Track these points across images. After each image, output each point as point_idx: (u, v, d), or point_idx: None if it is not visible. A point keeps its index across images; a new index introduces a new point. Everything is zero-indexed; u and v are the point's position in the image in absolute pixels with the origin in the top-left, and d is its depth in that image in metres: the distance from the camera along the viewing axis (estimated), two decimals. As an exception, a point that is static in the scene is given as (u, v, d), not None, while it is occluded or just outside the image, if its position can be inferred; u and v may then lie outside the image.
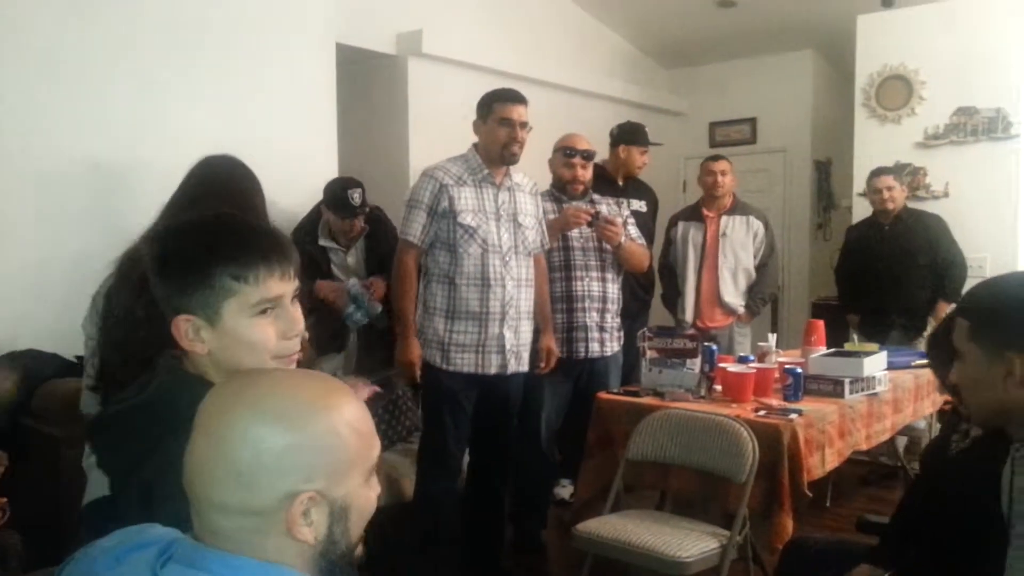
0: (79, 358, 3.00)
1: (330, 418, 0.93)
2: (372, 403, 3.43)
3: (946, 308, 4.15)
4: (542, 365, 3.36)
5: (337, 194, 3.51)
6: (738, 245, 4.46)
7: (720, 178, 4.46)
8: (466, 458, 3.28)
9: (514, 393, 3.25)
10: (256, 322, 1.23)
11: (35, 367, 2.75)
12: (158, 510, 1.07)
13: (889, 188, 4.56)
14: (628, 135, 4.29)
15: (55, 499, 2.40)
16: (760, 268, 4.51)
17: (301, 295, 1.30)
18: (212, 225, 1.28)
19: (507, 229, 3.13)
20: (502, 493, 3.36)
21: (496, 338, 3.10)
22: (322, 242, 3.64)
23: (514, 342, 3.15)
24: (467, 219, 3.05)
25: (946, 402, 3.51)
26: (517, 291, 3.14)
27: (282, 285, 1.25)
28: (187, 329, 1.22)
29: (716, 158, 4.59)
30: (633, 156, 4.26)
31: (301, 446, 0.90)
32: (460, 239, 3.05)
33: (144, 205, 3.34)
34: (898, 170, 4.85)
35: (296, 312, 1.27)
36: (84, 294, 3.15)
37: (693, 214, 4.59)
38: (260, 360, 1.24)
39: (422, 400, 3.26)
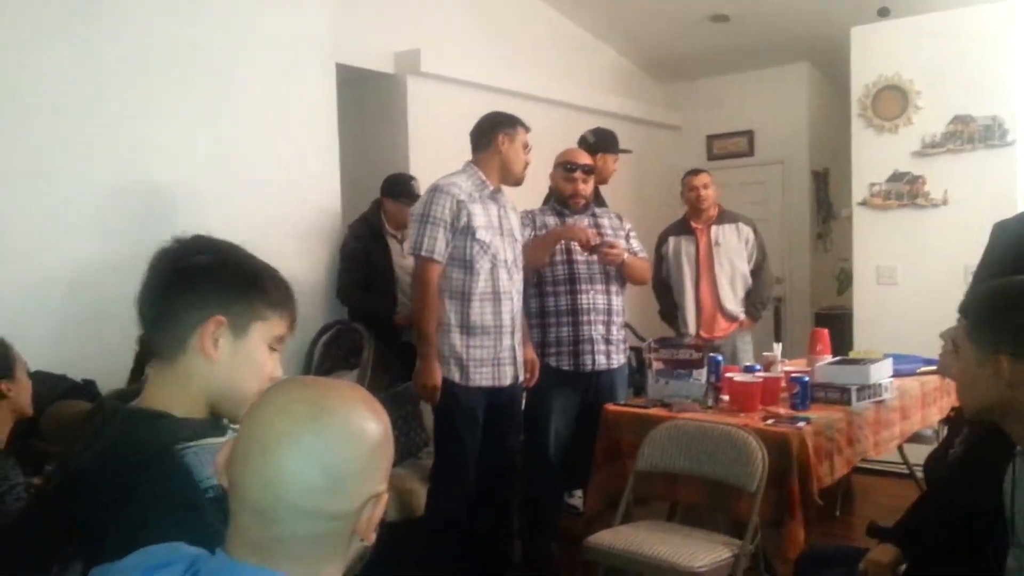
0: (86, 380, 3.01)
1: (387, 420, 0.98)
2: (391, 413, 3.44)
3: None
4: (528, 376, 3.37)
5: (397, 181, 4.17)
6: (733, 253, 4.49)
7: (703, 191, 4.49)
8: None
9: (517, 400, 3.31)
10: (268, 353, 1.28)
11: (43, 388, 2.74)
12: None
13: None
14: (607, 143, 4.21)
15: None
16: (755, 273, 4.54)
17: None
18: (253, 257, 1.33)
19: (509, 244, 3.21)
20: (510, 504, 3.36)
21: (509, 350, 3.18)
22: (388, 230, 4.13)
23: (519, 353, 3.25)
24: (482, 235, 3.09)
25: (953, 408, 3.52)
26: (519, 303, 3.25)
27: (289, 332, 1.32)
28: (215, 331, 1.23)
29: (696, 172, 4.61)
30: (608, 164, 4.19)
31: (384, 444, 0.96)
32: (476, 255, 3.08)
33: (150, 226, 3.39)
34: None
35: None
36: (87, 316, 3.17)
37: (682, 228, 4.60)
38: (252, 389, 1.25)
39: (436, 416, 3.24)
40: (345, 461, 0.91)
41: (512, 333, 3.19)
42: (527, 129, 3.28)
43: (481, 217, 3.11)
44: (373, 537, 0.94)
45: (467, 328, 3.10)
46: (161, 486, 1.11)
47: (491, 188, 3.19)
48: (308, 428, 0.90)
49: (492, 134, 3.20)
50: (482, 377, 3.12)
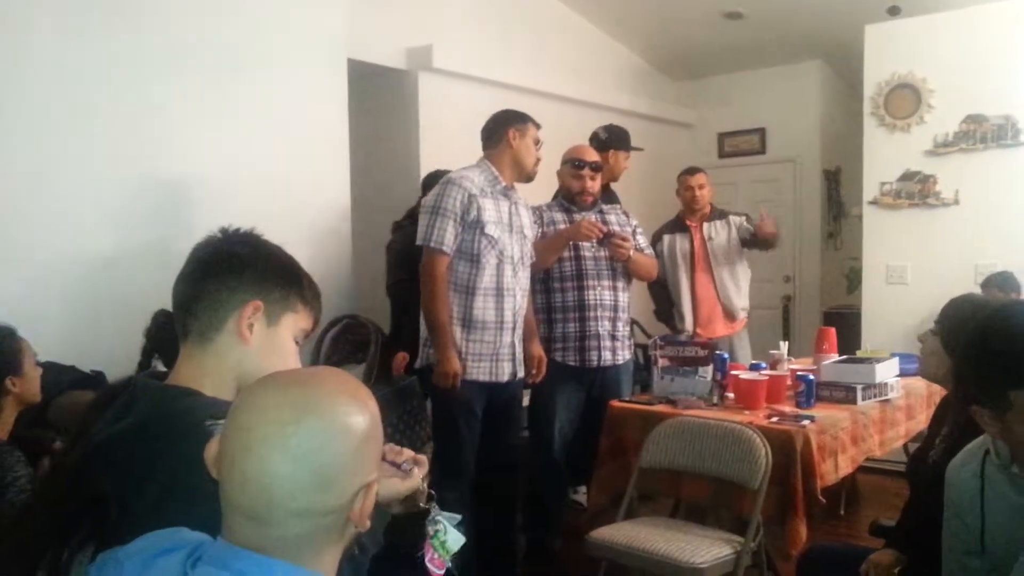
0: (95, 372, 3.05)
1: (374, 406, 0.98)
2: (386, 412, 3.46)
3: None
4: (534, 372, 3.37)
5: (439, 175, 3.96)
6: (727, 246, 4.44)
7: (698, 191, 4.46)
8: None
9: (518, 397, 3.32)
10: (294, 345, 1.34)
11: (52, 379, 2.77)
12: (173, 523, 1.07)
13: None
14: (618, 140, 4.19)
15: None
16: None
17: None
18: (292, 257, 1.39)
19: (517, 241, 3.21)
20: (512, 499, 3.37)
21: (509, 346, 3.18)
22: None
23: (519, 349, 3.25)
24: (491, 230, 3.10)
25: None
26: (523, 300, 3.25)
27: (312, 331, 1.38)
28: (252, 316, 1.29)
29: (692, 171, 4.57)
30: (620, 161, 4.17)
31: (371, 435, 0.96)
32: (483, 250, 3.09)
33: (158, 220, 3.42)
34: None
35: None
36: (96, 308, 3.21)
37: (676, 226, 4.56)
38: None
39: (434, 409, 3.26)
40: (333, 458, 0.91)
41: (513, 330, 3.19)
42: (538, 126, 3.29)
43: (491, 212, 3.13)
44: (368, 524, 0.95)
45: (468, 322, 3.11)
46: (191, 458, 1.11)
47: (503, 184, 3.20)
48: (293, 430, 0.89)
49: (503, 130, 3.22)
50: (479, 372, 3.12)
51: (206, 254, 1.32)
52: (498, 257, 3.13)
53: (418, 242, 3.15)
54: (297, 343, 1.35)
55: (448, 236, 3.06)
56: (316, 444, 0.90)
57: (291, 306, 1.33)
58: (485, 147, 3.28)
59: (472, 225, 3.08)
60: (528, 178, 3.28)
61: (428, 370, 3.18)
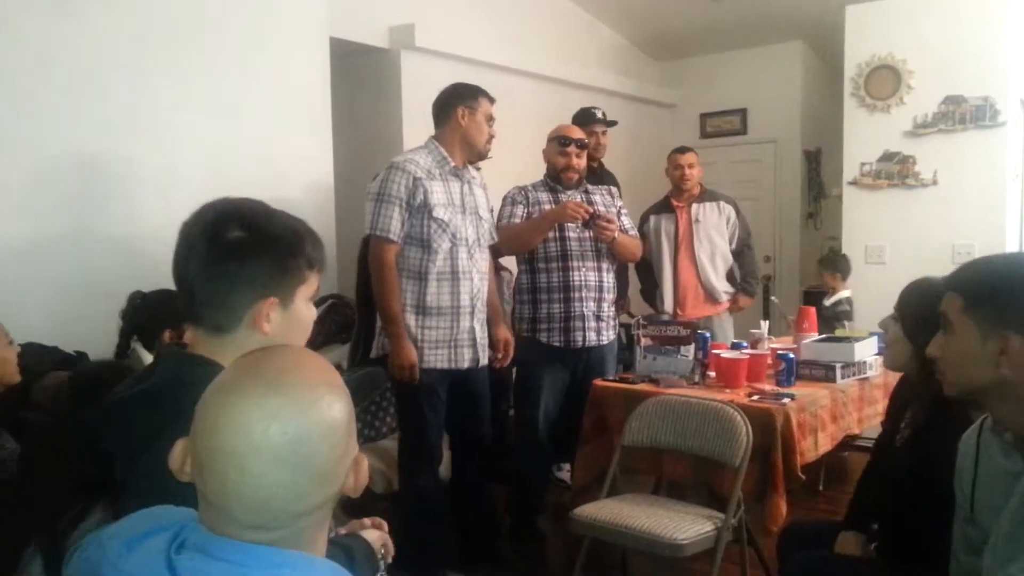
0: (78, 352, 3.03)
1: (343, 385, 0.97)
2: (354, 399, 3.44)
3: None
4: (500, 356, 3.31)
5: None
6: (712, 230, 4.45)
7: (688, 170, 4.46)
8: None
9: (483, 384, 3.23)
10: (309, 307, 1.35)
11: (34, 360, 2.75)
12: (171, 494, 1.07)
13: None
14: (574, 118, 4.18)
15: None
16: (740, 253, 4.52)
17: None
18: (286, 213, 1.35)
19: (472, 222, 3.11)
20: (486, 483, 3.37)
21: (468, 331, 3.10)
22: None
23: (481, 335, 3.16)
24: (440, 213, 3.00)
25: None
26: (482, 284, 3.15)
27: (322, 279, 1.39)
28: (268, 309, 1.28)
29: (683, 150, 4.56)
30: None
31: (351, 415, 0.96)
32: (434, 234, 3.00)
33: (140, 201, 3.41)
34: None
35: None
36: (79, 289, 3.19)
37: (663, 207, 4.57)
38: (301, 344, 1.31)
39: (398, 397, 3.18)
40: (328, 453, 0.91)
41: (472, 314, 3.09)
42: (491, 100, 3.15)
43: (440, 195, 3.02)
44: (359, 492, 0.96)
45: (423, 309, 3.02)
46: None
47: (452, 165, 3.08)
48: (285, 440, 0.88)
49: (451, 108, 3.09)
50: (437, 359, 3.05)
51: (199, 241, 1.27)
52: (451, 240, 3.02)
53: (365, 230, 3.06)
54: (310, 301, 1.36)
55: (394, 224, 2.96)
56: (312, 447, 0.89)
57: (301, 279, 1.32)
58: (435, 125, 3.16)
59: (419, 210, 2.97)
60: (480, 156, 3.16)
61: (384, 359, 3.09)
